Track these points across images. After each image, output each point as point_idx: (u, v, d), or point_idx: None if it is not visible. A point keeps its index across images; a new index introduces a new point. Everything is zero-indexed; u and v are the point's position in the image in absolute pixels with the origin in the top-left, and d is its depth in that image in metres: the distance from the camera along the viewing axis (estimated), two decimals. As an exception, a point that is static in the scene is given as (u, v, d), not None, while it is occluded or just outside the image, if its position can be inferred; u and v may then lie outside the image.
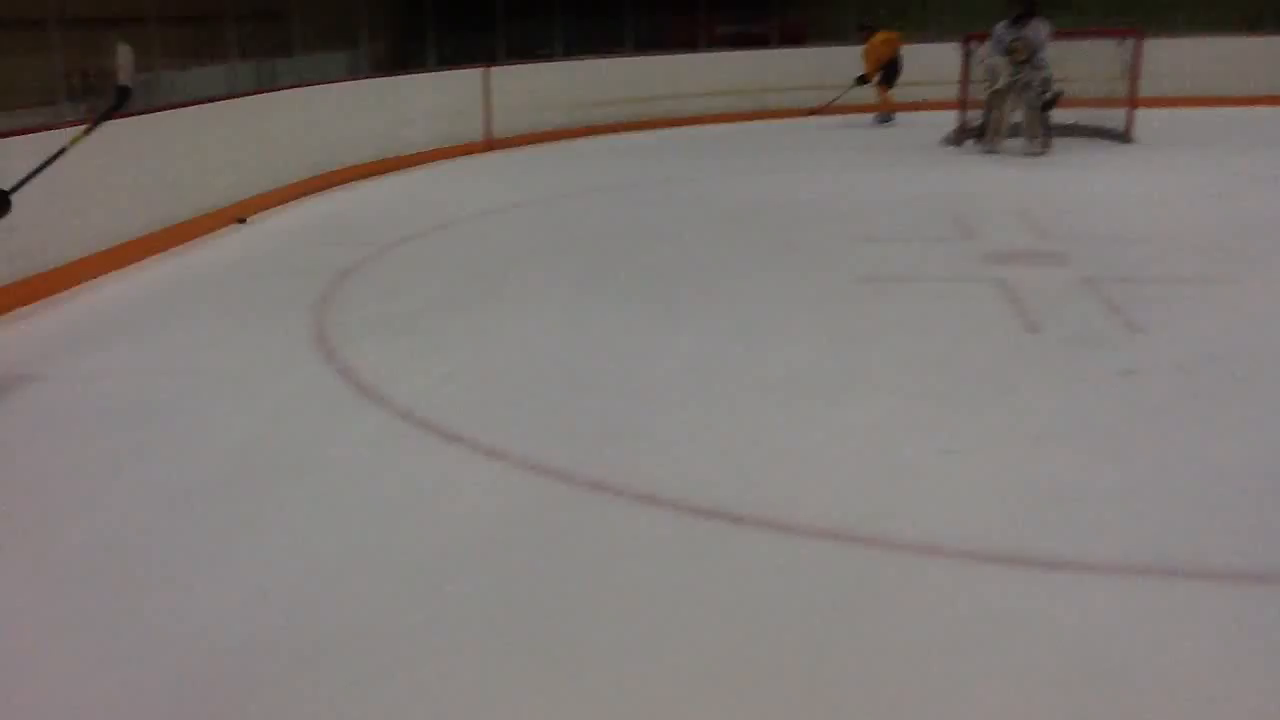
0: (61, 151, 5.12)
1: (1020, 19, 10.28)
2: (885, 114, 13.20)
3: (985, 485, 3.66)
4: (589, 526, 3.47)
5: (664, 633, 2.87)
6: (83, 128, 5.18)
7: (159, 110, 7.58)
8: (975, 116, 11.07)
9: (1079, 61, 11.12)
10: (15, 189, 4.94)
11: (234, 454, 4.10)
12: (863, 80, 13.13)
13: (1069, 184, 9.15)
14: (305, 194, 9.11)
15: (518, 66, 12.31)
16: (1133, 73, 11.05)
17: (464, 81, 11.52)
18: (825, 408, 4.38)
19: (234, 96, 8.51)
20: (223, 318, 5.84)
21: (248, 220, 7.98)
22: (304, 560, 3.30)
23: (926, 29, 14.23)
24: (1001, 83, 10.51)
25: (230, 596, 3.11)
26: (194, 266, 6.93)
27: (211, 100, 8.24)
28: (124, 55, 5.21)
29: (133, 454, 4.11)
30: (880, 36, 12.98)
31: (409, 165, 10.54)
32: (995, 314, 5.50)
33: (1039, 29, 10.25)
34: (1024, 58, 10.23)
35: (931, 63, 13.07)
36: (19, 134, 6.13)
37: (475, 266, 6.89)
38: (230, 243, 7.58)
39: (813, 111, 13.52)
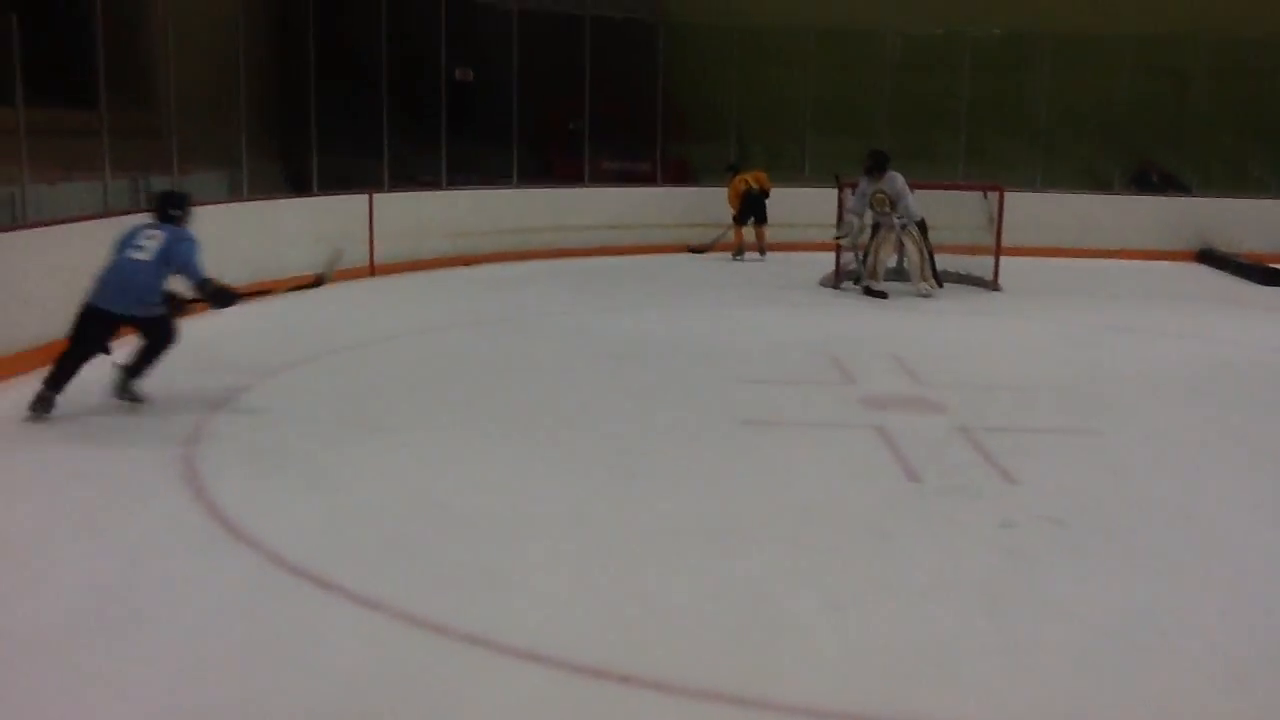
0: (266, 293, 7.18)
1: (872, 172, 10.89)
2: (736, 250, 13.60)
3: (869, 643, 3.65)
4: (468, 684, 3.33)
5: (548, 806, 2.74)
6: (288, 286, 7.31)
7: (25, 228, 7.32)
8: (852, 259, 11.45)
9: (945, 211, 11.69)
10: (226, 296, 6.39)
11: (89, 598, 3.86)
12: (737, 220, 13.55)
13: (941, 330, 9.46)
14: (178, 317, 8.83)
15: (402, 193, 12.32)
16: (997, 225, 11.60)
17: (347, 206, 11.46)
18: (707, 558, 4.34)
19: (106, 216, 8.27)
20: (84, 447, 5.56)
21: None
22: (164, 718, 3.09)
23: (806, 172, 14.76)
24: (849, 239, 11.14)
25: (76, 765, 2.88)
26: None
27: (81, 219, 7.99)
28: (334, 258, 6.99)
29: (-26, 599, 3.83)
30: (739, 177, 13.48)
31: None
32: (874, 461, 5.58)
33: (894, 180, 10.86)
34: (886, 208, 10.82)
35: (809, 204, 13.55)
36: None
37: (353, 399, 6.74)
38: (96, 367, 7.25)
39: (693, 250, 13.81)
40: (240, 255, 9.87)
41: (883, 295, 10.78)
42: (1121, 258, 14.30)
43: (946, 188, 12.29)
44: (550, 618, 3.77)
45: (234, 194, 10.72)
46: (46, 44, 9.23)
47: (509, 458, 5.55)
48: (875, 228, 10.98)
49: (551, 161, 15.31)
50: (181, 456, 5.35)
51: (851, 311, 10.22)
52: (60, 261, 7.44)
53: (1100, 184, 15.36)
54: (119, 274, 6.02)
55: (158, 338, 6.16)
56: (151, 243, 6.11)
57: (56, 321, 7.22)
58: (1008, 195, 11.78)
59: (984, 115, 15.14)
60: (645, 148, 14.89)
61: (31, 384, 6.07)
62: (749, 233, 13.58)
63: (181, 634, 3.60)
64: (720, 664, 3.47)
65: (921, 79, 15.55)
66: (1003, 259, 11.68)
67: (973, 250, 11.80)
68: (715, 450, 5.79)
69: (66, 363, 5.96)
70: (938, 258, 11.28)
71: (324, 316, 9.49)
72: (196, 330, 8.53)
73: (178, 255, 6.12)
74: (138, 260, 6.04)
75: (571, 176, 14.35)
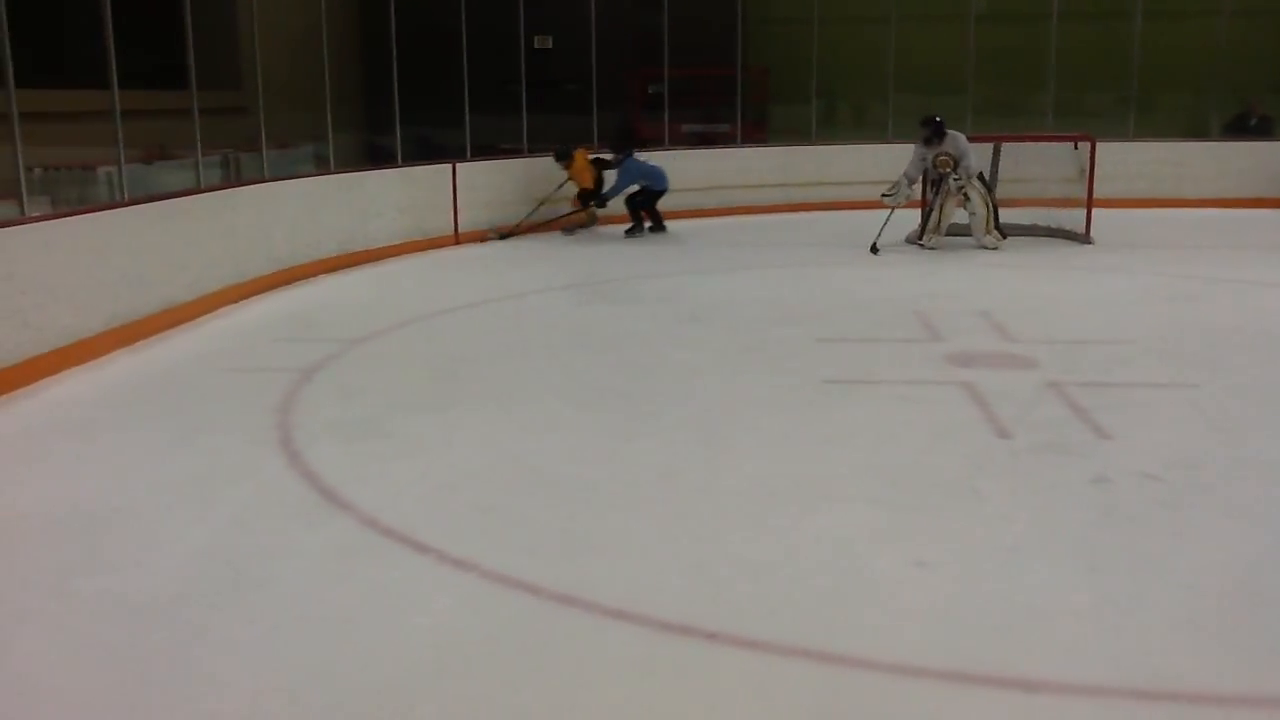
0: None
1: (930, 139, 10.88)
2: (571, 226, 12.56)
3: (961, 600, 3.62)
4: (560, 643, 3.38)
5: (639, 760, 2.79)
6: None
7: (124, 205, 7.54)
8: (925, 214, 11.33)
9: (1035, 164, 11.44)
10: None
11: (191, 564, 3.99)
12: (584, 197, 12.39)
13: (1031, 285, 9.28)
14: (269, 289, 9.06)
15: (484, 162, 12.40)
16: (1089, 176, 11.32)
17: (432, 176, 11.58)
18: (795, 517, 4.34)
19: (198, 191, 8.48)
20: (183, 418, 5.73)
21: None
22: (265, 678, 3.19)
23: (889, 130, 14.52)
24: (894, 200, 10.99)
25: (185, 718, 3.00)
26: (156, 364, 6.83)
27: (176, 195, 8.21)
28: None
29: (83, 565, 3.99)
30: (581, 152, 12.40)
31: (375, 260, 10.53)
32: (964, 418, 5.51)
33: (956, 140, 10.83)
34: (950, 168, 10.79)
35: (894, 162, 13.34)
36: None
37: (440, 365, 6.85)
38: (192, 340, 7.49)
39: (505, 234, 12.09)
40: (329, 226, 10.09)
41: (932, 249, 10.80)
42: (1220, 207, 13.84)
43: (1035, 139, 12.01)
44: (639, 577, 3.81)
45: (321, 167, 10.89)
46: (138, 29, 9.46)
47: (596, 421, 5.59)
48: (939, 182, 10.90)
49: (632, 126, 15.28)
50: (278, 424, 5.50)
51: (938, 268, 10.07)
52: (157, 238, 7.68)
53: (1197, 131, 14.85)
54: None
55: None
56: None
57: (153, 296, 7.48)
58: (1099, 145, 11.47)
59: (1073, 65, 14.70)
60: (726, 109, 14.77)
61: (128, 360, 6.28)
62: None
63: (284, 596, 3.72)
64: (809, 622, 3.47)
65: (1007, 30, 15.18)
66: (1095, 211, 11.40)
67: (1063, 203, 11.55)
68: (801, 410, 5.76)
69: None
70: (1026, 211, 11.10)
71: (411, 284, 9.64)
72: (283, 302, 8.77)
73: None
74: None
75: (652, 140, 14.31)
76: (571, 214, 12.54)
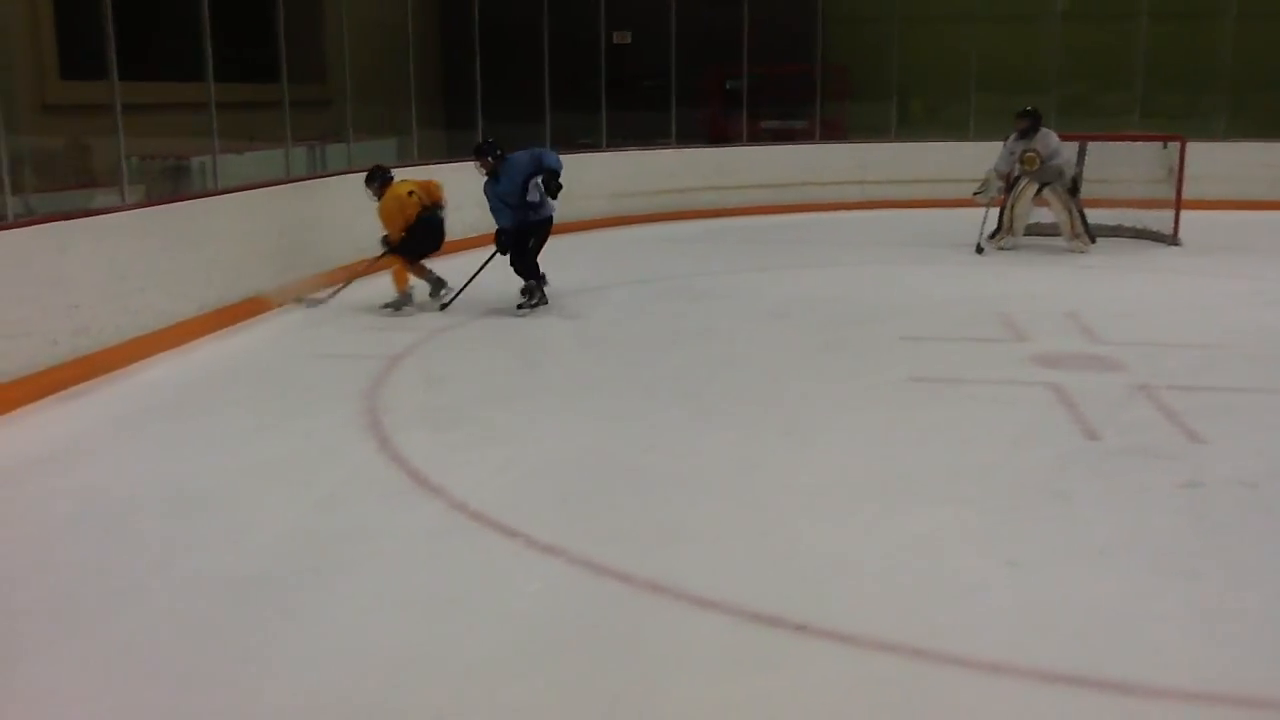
0: None
1: (1026, 133, 10.65)
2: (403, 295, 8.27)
3: (1051, 601, 3.59)
4: (650, 630, 3.42)
5: (730, 748, 2.80)
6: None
7: (214, 194, 7.72)
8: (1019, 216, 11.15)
9: (1122, 164, 11.23)
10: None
11: (285, 545, 4.08)
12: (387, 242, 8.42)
13: (1118, 287, 9.12)
14: (355, 277, 9.19)
15: (563, 156, 12.45)
16: (1178, 176, 11.09)
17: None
18: (881, 514, 4.32)
19: (285, 181, 8.66)
20: (274, 402, 5.87)
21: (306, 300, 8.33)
22: (356, 659, 3.26)
23: (971, 129, 14.34)
24: (989, 194, 10.82)
25: (280, 697, 3.07)
26: (245, 349, 6.99)
27: (265, 185, 8.39)
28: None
29: (180, 542, 4.10)
30: (399, 185, 8.42)
31: (456, 251, 10.62)
32: (1051, 419, 5.44)
33: (1047, 138, 10.62)
34: (1036, 166, 10.59)
35: (977, 161, 13.19)
36: (82, 216, 6.27)
37: (522, 355, 6.92)
38: (280, 325, 7.65)
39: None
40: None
41: (1009, 249, 10.69)
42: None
43: (1123, 139, 11.80)
44: (726, 567, 3.82)
45: (404, 159, 11.05)
46: (233, 25, 9.70)
47: (678, 416, 5.61)
48: (1015, 180, 10.75)
49: (710, 122, 15.28)
50: (366, 409, 5.60)
51: (1018, 268, 9.93)
52: (248, 225, 7.86)
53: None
54: None
55: None
56: None
57: (242, 283, 7.65)
58: (1188, 145, 11.23)
59: (1161, 64, 14.40)
60: (803, 106, 14.71)
61: (218, 345, 6.43)
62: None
63: (378, 577, 3.79)
64: (895, 618, 3.46)
65: (1094, 29, 14.91)
66: (1183, 213, 11.17)
67: (1150, 204, 11.32)
68: (885, 408, 5.73)
69: None
70: (1113, 212, 10.90)
71: (490, 277, 9.72)
72: (368, 290, 8.89)
73: None
74: None
75: (729, 136, 14.30)
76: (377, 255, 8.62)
